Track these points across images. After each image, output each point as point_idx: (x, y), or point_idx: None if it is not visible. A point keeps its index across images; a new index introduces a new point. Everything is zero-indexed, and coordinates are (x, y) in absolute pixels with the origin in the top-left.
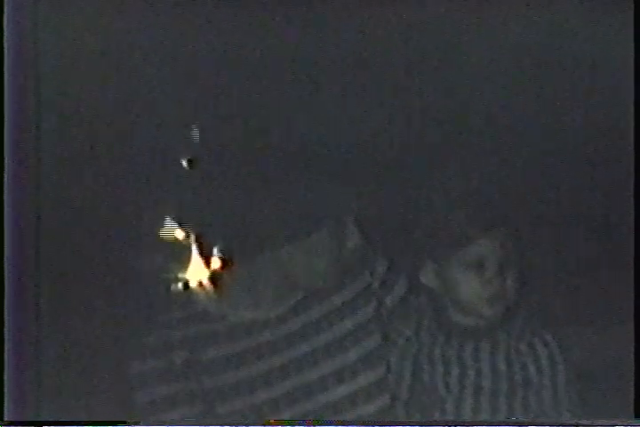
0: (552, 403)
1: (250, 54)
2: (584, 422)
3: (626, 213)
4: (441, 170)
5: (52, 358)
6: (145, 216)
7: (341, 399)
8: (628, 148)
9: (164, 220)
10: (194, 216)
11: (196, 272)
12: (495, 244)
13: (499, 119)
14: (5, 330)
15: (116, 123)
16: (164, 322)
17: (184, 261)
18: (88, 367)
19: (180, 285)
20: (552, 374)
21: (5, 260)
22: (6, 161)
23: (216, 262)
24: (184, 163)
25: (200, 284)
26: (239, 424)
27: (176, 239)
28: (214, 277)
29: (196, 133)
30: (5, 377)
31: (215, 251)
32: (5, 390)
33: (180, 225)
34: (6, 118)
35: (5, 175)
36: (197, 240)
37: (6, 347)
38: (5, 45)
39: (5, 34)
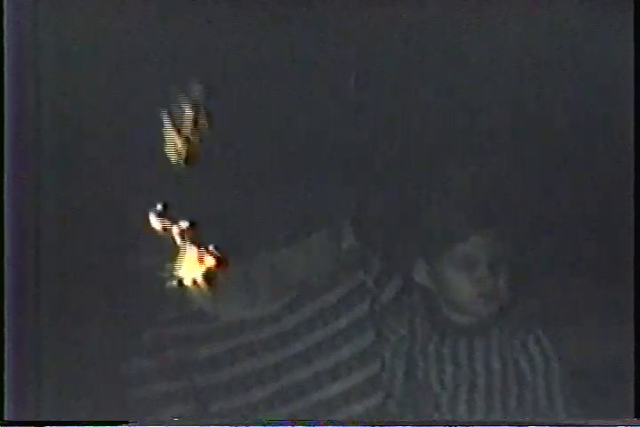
0: (546, 400)
1: (249, 54)
2: (584, 422)
3: (621, 211)
4: (435, 169)
5: (51, 358)
6: (139, 213)
7: (335, 397)
8: (628, 148)
9: (158, 216)
10: (190, 214)
11: (190, 270)
12: (488, 242)
13: (495, 118)
14: (5, 330)
15: (115, 123)
16: (159, 321)
17: (178, 259)
18: (88, 367)
19: (174, 282)
20: (546, 371)
21: (5, 260)
22: (6, 161)
23: (210, 260)
24: (181, 162)
25: (194, 282)
26: (237, 424)
27: (170, 236)
28: (209, 276)
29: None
30: (5, 377)
31: (211, 248)
32: (5, 390)
33: (175, 222)
34: (6, 118)
35: (5, 175)
36: (192, 237)
37: (6, 347)
38: (5, 45)
39: (5, 34)
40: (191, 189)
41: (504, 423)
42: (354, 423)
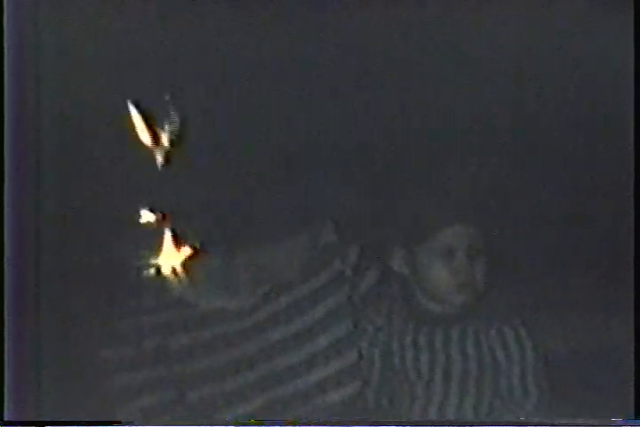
0: (520, 388)
1: (248, 54)
2: (584, 422)
3: (600, 203)
4: (414, 161)
5: (51, 358)
6: (121, 203)
7: (312, 386)
8: (628, 147)
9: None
10: (173, 206)
11: (169, 258)
12: (465, 232)
13: (495, 117)
14: (5, 330)
15: (115, 122)
16: (142, 310)
17: (157, 247)
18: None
19: (152, 270)
20: (521, 359)
21: (5, 260)
22: (6, 161)
23: (187, 250)
24: (159, 159)
25: (173, 271)
26: (237, 424)
27: (151, 225)
28: (187, 265)
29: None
30: (5, 377)
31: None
32: (5, 390)
33: (155, 211)
34: (6, 118)
35: (5, 175)
36: (171, 226)
37: (6, 347)
38: (5, 45)
39: (5, 34)
40: (177, 185)
41: (505, 423)
42: (354, 423)
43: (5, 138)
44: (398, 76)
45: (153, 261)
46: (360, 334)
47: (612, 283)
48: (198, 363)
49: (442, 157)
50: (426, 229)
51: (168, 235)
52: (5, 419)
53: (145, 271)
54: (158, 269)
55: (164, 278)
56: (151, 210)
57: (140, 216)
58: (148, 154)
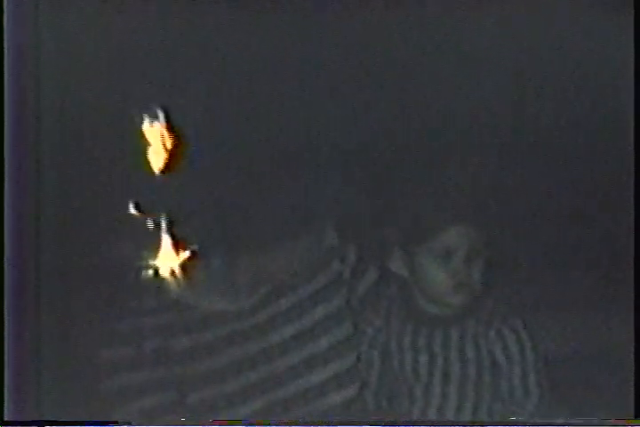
0: (521, 390)
1: (247, 55)
2: (584, 422)
3: (600, 203)
4: (413, 161)
5: (51, 359)
6: (120, 204)
7: (312, 387)
8: (628, 147)
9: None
10: (172, 207)
11: (167, 260)
12: (464, 233)
13: (492, 117)
14: (5, 330)
15: (115, 122)
16: (142, 311)
17: (157, 248)
18: (87, 367)
19: (150, 272)
20: (521, 360)
21: (5, 260)
22: (6, 161)
23: (186, 252)
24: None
25: (172, 272)
26: (238, 424)
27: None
28: (187, 267)
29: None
30: (5, 377)
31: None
32: (5, 390)
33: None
34: (6, 118)
35: (5, 175)
36: (169, 228)
37: (6, 347)
38: (5, 45)
39: (5, 34)
40: (177, 186)
41: (505, 423)
42: (354, 423)
43: (5, 138)
44: (398, 76)
45: (152, 262)
46: (359, 335)
47: (612, 283)
48: (198, 364)
49: (441, 157)
50: (425, 230)
51: (166, 236)
52: (5, 419)
53: (144, 272)
54: (157, 271)
55: (164, 280)
56: (142, 210)
57: (137, 216)
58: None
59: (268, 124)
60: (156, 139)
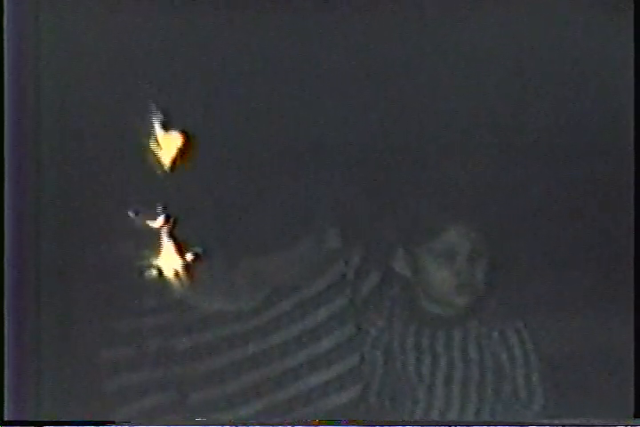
0: (521, 389)
1: (247, 56)
2: (584, 422)
3: (600, 203)
4: (414, 162)
5: (51, 359)
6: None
7: (313, 389)
8: (628, 147)
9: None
10: (175, 208)
11: (169, 260)
12: (467, 233)
13: (492, 117)
14: (5, 330)
15: (115, 122)
16: (143, 311)
17: (159, 249)
18: (87, 367)
19: (153, 272)
20: (524, 362)
21: (5, 260)
22: (6, 161)
23: (188, 253)
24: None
25: (176, 273)
26: (237, 425)
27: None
28: (189, 267)
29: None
30: (5, 377)
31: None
32: (5, 390)
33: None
34: (6, 118)
35: (5, 175)
36: (170, 229)
37: (6, 347)
38: (5, 45)
39: (5, 34)
40: (179, 188)
41: (507, 423)
42: (354, 423)
43: (5, 138)
44: (397, 76)
45: (154, 262)
46: (363, 336)
47: (612, 283)
48: (200, 365)
49: (443, 157)
50: (427, 231)
51: (167, 237)
52: (5, 419)
53: (146, 272)
54: (160, 271)
55: (166, 280)
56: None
57: (139, 218)
58: (151, 155)
59: (269, 125)
60: (157, 139)
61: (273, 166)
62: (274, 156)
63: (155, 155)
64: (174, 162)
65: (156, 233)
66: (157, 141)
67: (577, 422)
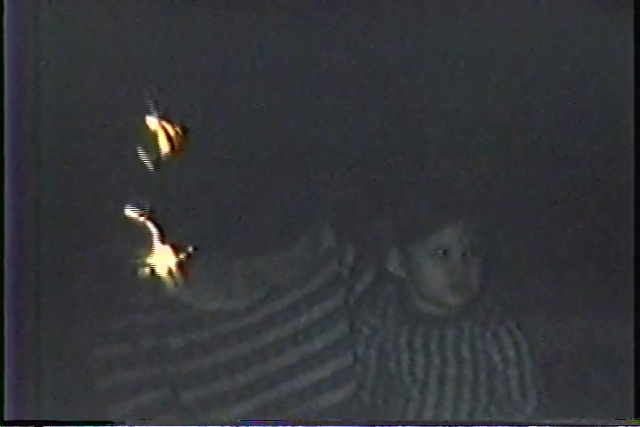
0: (520, 389)
1: (246, 55)
2: (584, 422)
3: (599, 203)
4: (409, 161)
5: (51, 359)
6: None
7: (306, 388)
8: (628, 147)
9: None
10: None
11: (163, 259)
12: (462, 232)
13: (490, 117)
14: (5, 330)
15: (115, 122)
16: (141, 309)
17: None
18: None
19: (146, 270)
20: (517, 362)
21: (5, 260)
22: (6, 161)
23: (181, 251)
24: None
25: (169, 271)
26: (236, 424)
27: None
28: (183, 266)
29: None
30: (5, 377)
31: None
32: (5, 390)
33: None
34: (6, 118)
35: (6, 175)
36: (160, 227)
37: (6, 347)
38: (5, 45)
39: (5, 34)
40: (174, 186)
41: (506, 423)
42: (354, 424)
43: (5, 138)
44: (394, 75)
45: (148, 261)
46: (356, 335)
47: (611, 283)
48: (193, 363)
49: (440, 157)
50: (421, 230)
51: (159, 235)
52: (5, 419)
53: (140, 271)
54: (153, 270)
55: (161, 279)
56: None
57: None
58: (148, 154)
59: (267, 125)
60: (155, 138)
61: (269, 166)
62: (269, 155)
63: (153, 153)
64: (171, 160)
65: (150, 232)
66: (156, 140)
67: (577, 422)
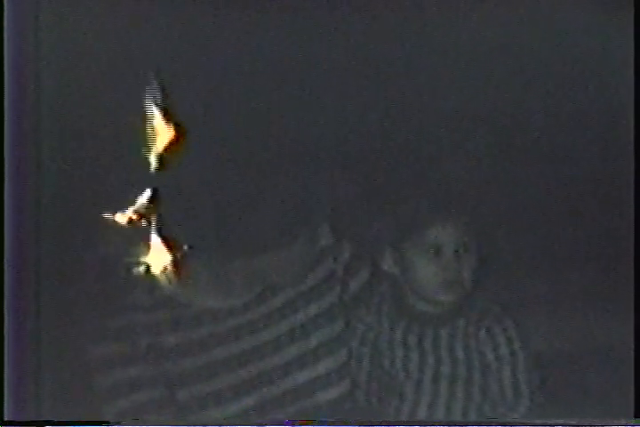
0: (519, 389)
1: (246, 55)
2: (584, 422)
3: (599, 201)
4: (406, 159)
5: (51, 359)
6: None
7: (301, 385)
8: (628, 147)
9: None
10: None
11: (158, 257)
12: (453, 230)
13: (490, 117)
14: (5, 330)
15: (115, 122)
16: (141, 308)
17: (146, 246)
18: (88, 367)
19: (141, 269)
20: (511, 360)
21: (5, 260)
22: (6, 161)
23: (178, 250)
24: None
25: (165, 269)
26: (235, 424)
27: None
28: (179, 264)
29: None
30: (5, 377)
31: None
32: (5, 390)
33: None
34: (6, 118)
35: (5, 175)
36: (158, 226)
37: (6, 347)
38: (5, 45)
39: (5, 34)
40: (173, 186)
41: (505, 423)
42: (353, 424)
43: (5, 138)
44: (393, 75)
45: (144, 260)
46: (351, 333)
47: (611, 282)
48: (189, 362)
49: (437, 156)
50: (417, 228)
51: (157, 235)
52: (5, 419)
53: (137, 270)
54: (148, 268)
55: (156, 277)
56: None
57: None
58: (146, 154)
59: (264, 125)
60: (154, 138)
61: (266, 164)
62: (269, 155)
63: (151, 152)
64: (169, 159)
65: (147, 231)
66: (155, 139)
67: (576, 422)
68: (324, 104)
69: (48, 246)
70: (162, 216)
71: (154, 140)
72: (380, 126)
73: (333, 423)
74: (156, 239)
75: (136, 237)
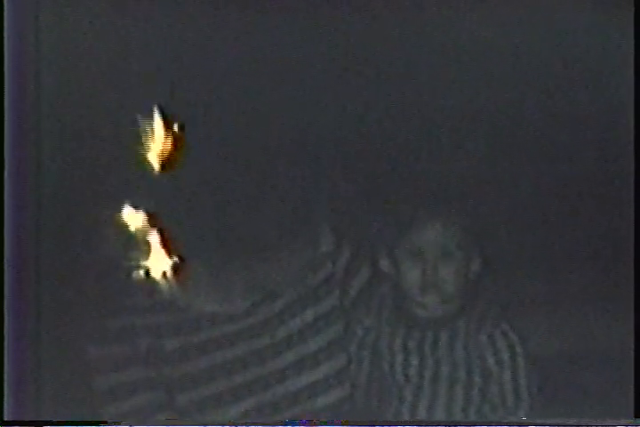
0: (511, 393)
1: (245, 55)
2: (584, 422)
3: (599, 201)
4: (405, 160)
5: (51, 359)
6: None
7: (300, 389)
8: (628, 147)
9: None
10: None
11: (158, 261)
12: (458, 231)
13: (489, 117)
14: (5, 330)
15: (115, 123)
16: (141, 311)
17: (147, 250)
18: (88, 368)
19: (141, 272)
20: (511, 364)
21: (5, 260)
22: (6, 161)
23: (177, 254)
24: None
25: (164, 274)
26: (234, 424)
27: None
28: (179, 269)
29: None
30: (5, 377)
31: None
32: (5, 390)
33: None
34: (6, 118)
35: (5, 175)
36: (159, 230)
37: (6, 347)
38: (5, 45)
39: (5, 34)
40: (172, 188)
41: (504, 423)
42: (353, 424)
43: (5, 138)
44: (392, 75)
45: (145, 263)
46: (351, 336)
47: (611, 282)
48: (189, 365)
49: (436, 156)
50: (416, 229)
51: (157, 238)
52: (5, 419)
53: (136, 273)
54: (147, 272)
55: (156, 281)
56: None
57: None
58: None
59: (263, 124)
60: (154, 139)
61: (266, 166)
62: (268, 154)
63: (150, 154)
64: (169, 161)
65: (146, 234)
66: (154, 141)
67: (576, 422)
68: (324, 104)
69: (48, 246)
70: (162, 217)
71: (154, 141)
72: (379, 126)
73: (345, 423)
74: (156, 242)
75: (136, 238)
